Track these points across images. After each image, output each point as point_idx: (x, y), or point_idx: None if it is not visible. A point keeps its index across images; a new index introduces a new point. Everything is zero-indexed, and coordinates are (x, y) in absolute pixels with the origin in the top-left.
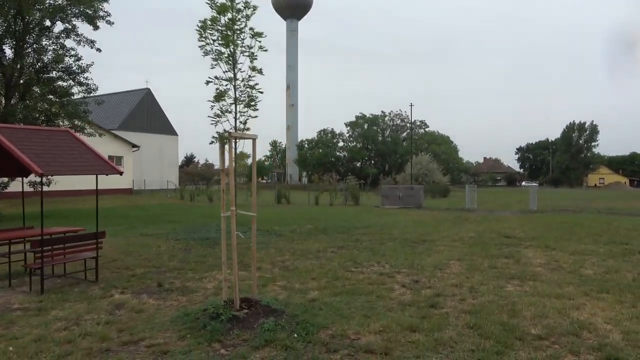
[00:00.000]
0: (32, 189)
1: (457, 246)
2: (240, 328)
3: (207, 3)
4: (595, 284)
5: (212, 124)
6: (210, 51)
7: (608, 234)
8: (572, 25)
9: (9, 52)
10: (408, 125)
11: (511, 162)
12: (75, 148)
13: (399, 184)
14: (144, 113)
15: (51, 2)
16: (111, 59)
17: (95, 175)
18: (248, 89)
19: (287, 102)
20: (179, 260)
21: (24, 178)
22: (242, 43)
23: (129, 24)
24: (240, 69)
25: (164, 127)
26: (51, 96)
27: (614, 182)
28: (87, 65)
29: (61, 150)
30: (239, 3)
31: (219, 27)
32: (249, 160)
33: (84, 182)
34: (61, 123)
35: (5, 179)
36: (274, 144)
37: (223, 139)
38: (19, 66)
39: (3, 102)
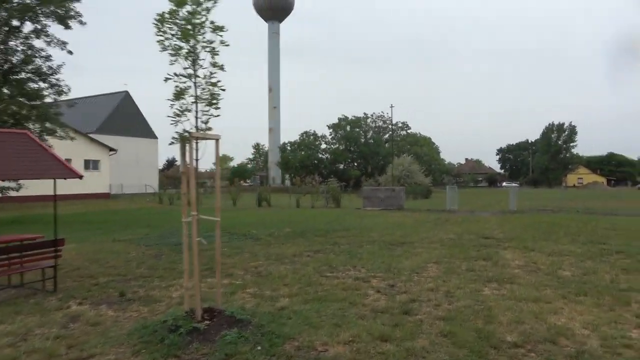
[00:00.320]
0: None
1: (435, 248)
2: (200, 341)
3: None
4: (573, 286)
5: (172, 124)
6: (168, 46)
7: (586, 233)
8: (550, 25)
9: None
10: (390, 126)
11: (492, 163)
12: (33, 151)
13: (381, 185)
14: (123, 116)
15: (19, 1)
16: (89, 60)
17: (63, 179)
18: (210, 87)
19: (269, 105)
20: (147, 267)
21: None
22: (203, 38)
23: (108, 24)
24: (201, 65)
25: (143, 130)
26: (22, 98)
27: (592, 182)
28: (57, 66)
29: (19, 154)
30: None
31: (178, 21)
32: (232, 163)
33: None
34: (31, 126)
35: None
36: (257, 147)
37: (184, 139)
38: None
39: None
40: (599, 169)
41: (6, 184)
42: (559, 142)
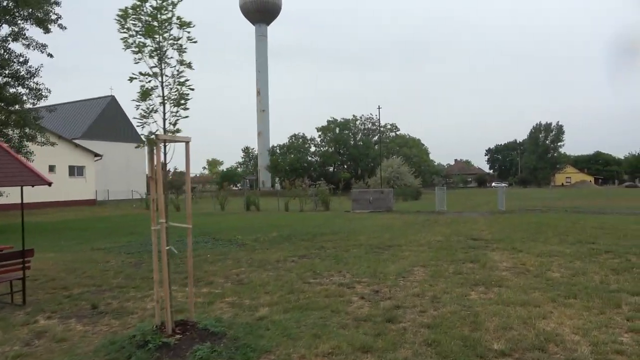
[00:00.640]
0: None
1: (423, 251)
2: (170, 357)
3: None
4: (562, 288)
5: (138, 126)
6: (132, 44)
7: (574, 233)
8: (536, 26)
9: None
10: (379, 128)
11: (481, 163)
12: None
13: (371, 187)
14: (109, 121)
15: None
16: (75, 62)
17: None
18: (178, 86)
19: (257, 108)
20: (125, 277)
21: None
22: (170, 35)
23: (92, 25)
24: (169, 63)
25: (130, 135)
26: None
27: (580, 181)
28: (36, 69)
29: None
30: None
31: (142, 17)
32: (221, 167)
33: (44, 193)
34: (10, 132)
35: None
36: (246, 150)
37: (151, 142)
38: None
39: None
40: (587, 168)
41: None
42: (547, 142)
